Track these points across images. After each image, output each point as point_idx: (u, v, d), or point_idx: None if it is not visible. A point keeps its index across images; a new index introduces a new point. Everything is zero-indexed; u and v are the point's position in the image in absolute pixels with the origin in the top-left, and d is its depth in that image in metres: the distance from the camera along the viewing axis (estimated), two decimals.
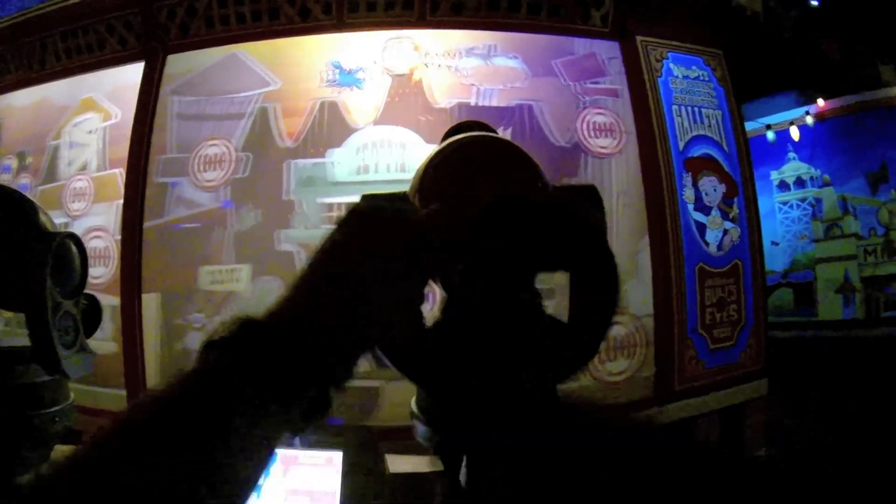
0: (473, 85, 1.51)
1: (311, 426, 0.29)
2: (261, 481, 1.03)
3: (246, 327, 0.27)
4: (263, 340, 0.27)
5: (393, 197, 0.37)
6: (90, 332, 0.71)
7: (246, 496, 0.27)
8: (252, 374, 0.26)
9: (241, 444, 0.26)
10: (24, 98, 1.84)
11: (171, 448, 0.24)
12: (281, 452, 0.90)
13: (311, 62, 1.51)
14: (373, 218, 0.31)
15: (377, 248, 0.29)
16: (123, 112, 1.63)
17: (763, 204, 1.92)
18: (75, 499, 0.23)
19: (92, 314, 0.76)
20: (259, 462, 0.28)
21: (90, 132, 1.67)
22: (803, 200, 3.28)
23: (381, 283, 0.29)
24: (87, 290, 0.71)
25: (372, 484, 0.85)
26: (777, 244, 3.25)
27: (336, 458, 0.87)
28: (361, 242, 0.30)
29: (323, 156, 1.46)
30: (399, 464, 0.92)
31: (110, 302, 1.48)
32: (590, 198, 0.36)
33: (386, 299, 0.29)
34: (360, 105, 1.47)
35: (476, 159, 0.37)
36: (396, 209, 0.32)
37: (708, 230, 1.71)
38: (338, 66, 1.50)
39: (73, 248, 0.80)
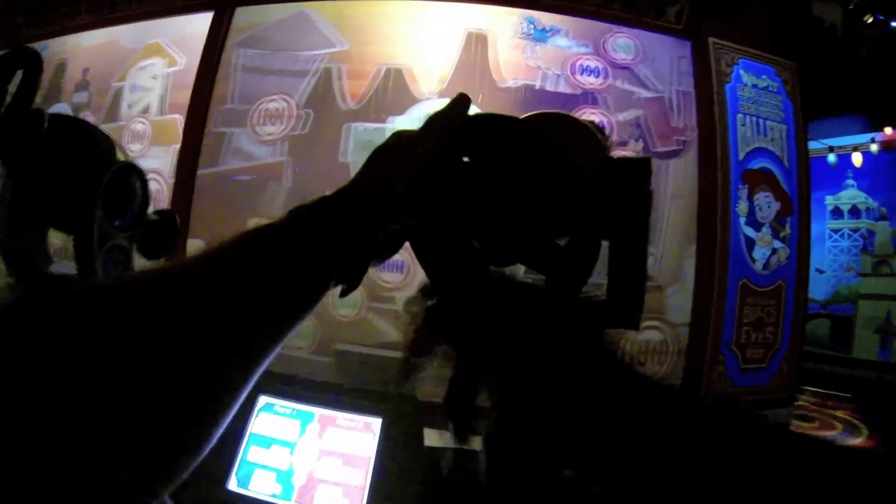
0: (540, 68, 1.48)
1: (351, 278, 0.37)
2: (296, 439, 1.01)
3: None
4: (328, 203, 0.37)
5: None
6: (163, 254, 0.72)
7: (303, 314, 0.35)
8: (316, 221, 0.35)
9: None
10: (92, 39, 1.88)
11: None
12: (319, 412, 0.90)
13: (380, 26, 1.51)
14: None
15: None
16: (188, 59, 1.65)
17: (813, 228, 1.84)
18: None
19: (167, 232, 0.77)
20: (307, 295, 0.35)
21: (154, 77, 1.70)
22: (855, 231, 3.12)
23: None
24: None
25: (409, 455, 0.84)
26: (822, 272, 3.11)
27: (375, 423, 0.87)
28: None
29: (384, 122, 1.45)
30: (433, 438, 0.91)
31: None
32: (642, 169, 0.38)
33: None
34: (427, 75, 1.46)
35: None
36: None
37: (756, 246, 1.65)
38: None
39: (137, 182, 0.80)
